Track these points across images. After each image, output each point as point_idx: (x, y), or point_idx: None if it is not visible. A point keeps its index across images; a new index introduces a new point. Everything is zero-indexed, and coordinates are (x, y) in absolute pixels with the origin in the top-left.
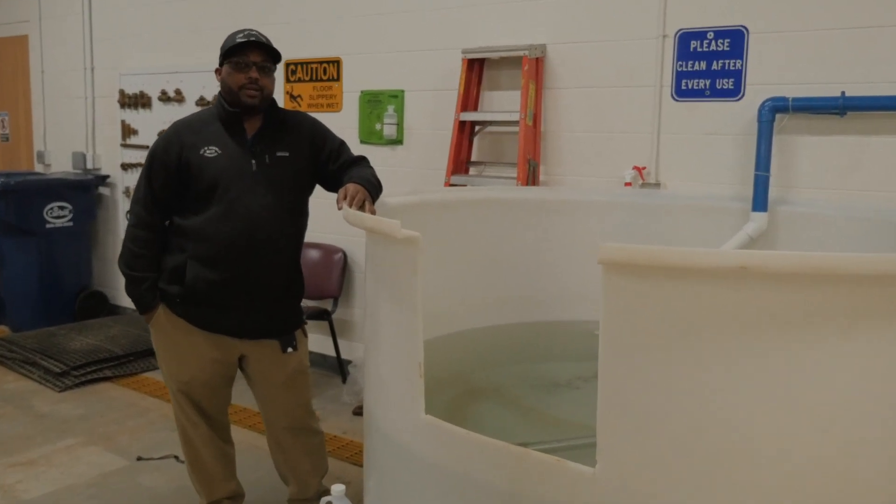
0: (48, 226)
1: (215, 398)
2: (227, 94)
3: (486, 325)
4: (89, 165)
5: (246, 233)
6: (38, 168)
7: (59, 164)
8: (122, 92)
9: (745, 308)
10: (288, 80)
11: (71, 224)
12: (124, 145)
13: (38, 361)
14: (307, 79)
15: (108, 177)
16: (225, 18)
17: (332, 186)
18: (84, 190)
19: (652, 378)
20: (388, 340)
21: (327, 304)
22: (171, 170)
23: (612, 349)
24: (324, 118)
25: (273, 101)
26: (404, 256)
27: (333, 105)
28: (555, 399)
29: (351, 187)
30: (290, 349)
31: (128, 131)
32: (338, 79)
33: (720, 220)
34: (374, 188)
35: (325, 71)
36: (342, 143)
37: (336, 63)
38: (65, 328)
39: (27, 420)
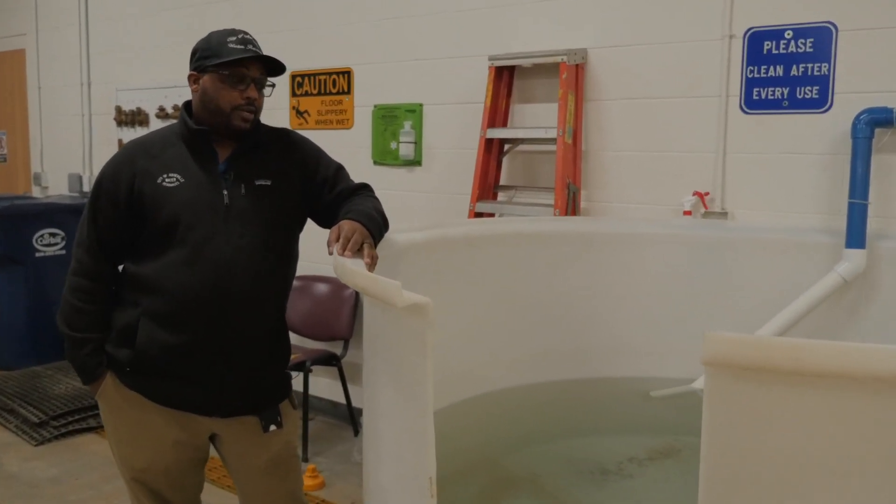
0: (38, 254)
1: (181, 488)
2: (209, 112)
3: (520, 384)
4: (86, 188)
5: (214, 283)
6: (36, 191)
7: (57, 187)
8: (118, 109)
9: None
10: (294, 94)
11: (63, 252)
12: None
13: (16, 409)
14: (315, 92)
15: None
16: (225, 27)
17: (327, 221)
18: (78, 215)
19: None
20: (389, 441)
21: (337, 347)
22: (120, 204)
23: (717, 485)
24: (333, 137)
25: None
26: (409, 331)
27: (344, 121)
28: (603, 493)
29: (346, 226)
30: (273, 427)
31: None
32: (348, 92)
33: (804, 259)
34: (375, 225)
35: (335, 83)
36: (339, 168)
37: (346, 74)
38: (52, 368)
39: None
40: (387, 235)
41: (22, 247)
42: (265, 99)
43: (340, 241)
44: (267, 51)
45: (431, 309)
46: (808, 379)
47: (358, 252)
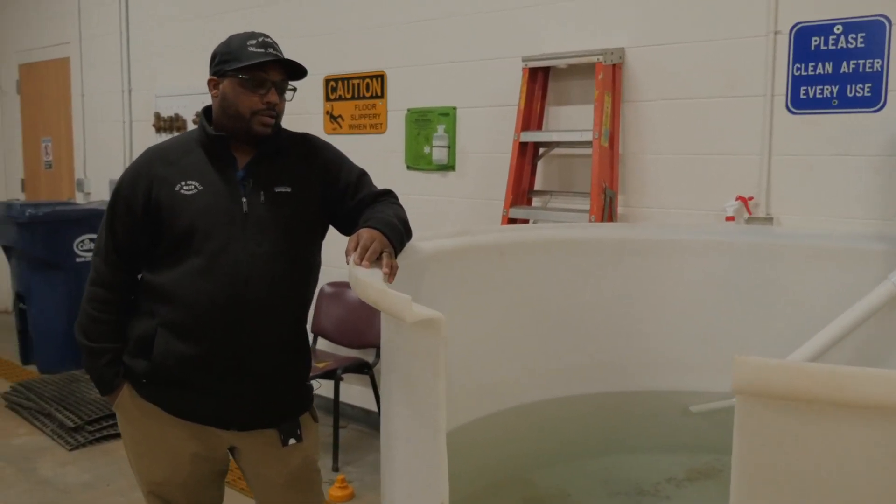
0: (78, 259)
1: (200, 502)
2: (228, 117)
3: (552, 396)
4: None
5: (230, 293)
6: (79, 197)
7: (99, 193)
8: (157, 115)
9: None
10: (328, 99)
11: None
12: None
13: (52, 413)
14: (348, 96)
15: None
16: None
17: (348, 229)
18: None
19: None
20: (402, 462)
21: (369, 355)
22: (137, 212)
23: None
24: (367, 141)
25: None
26: (420, 348)
27: (377, 126)
28: None
29: (364, 234)
30: (292, 440)
31: None
32: (382, 96)
33: (855, 268)
34: (396, 234)
35: (368, 87)
36: (362, 174)
37: (380, 78)
38: None
39: (24, 487)
40: (412, 243)
41: (62, 252)
42: (289, 103)
43: (358, 250)
44: (301, 55)
45: (444, 325)
46: (852, 411)
47: (376, 262)
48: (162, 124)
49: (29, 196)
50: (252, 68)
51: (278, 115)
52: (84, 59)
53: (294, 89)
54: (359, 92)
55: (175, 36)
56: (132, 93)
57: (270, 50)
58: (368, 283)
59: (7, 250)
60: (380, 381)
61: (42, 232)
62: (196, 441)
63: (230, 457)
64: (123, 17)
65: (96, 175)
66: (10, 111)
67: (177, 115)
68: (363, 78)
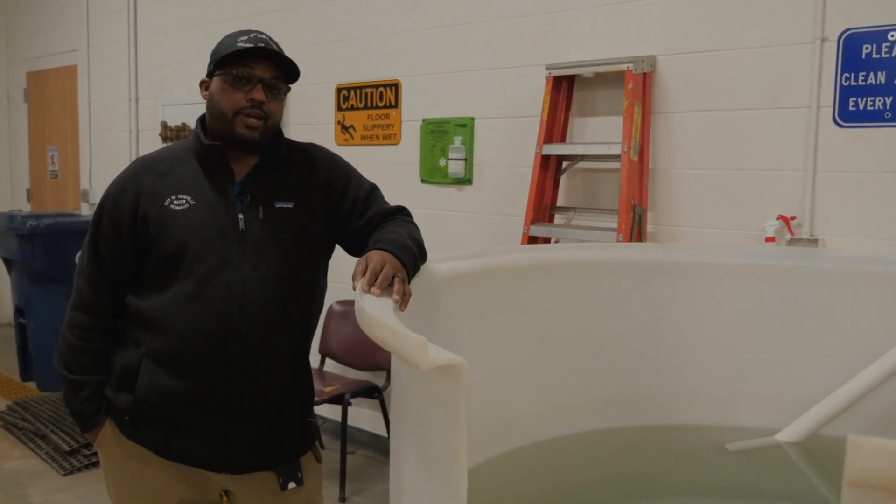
0: None
1: None
2: (214, 119)
3: (574, 431)
4: None
5: (225, 321)
6: (84, 208)
7: None
8: (164, 124)
9: None
10: (340, 108)
11: None
12: None
13: (48, 435)
14: (361, 106)
15: None
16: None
17: (356, 249)
18: None
19: None
20: None
21: (379, 378)
22: (122, 229)
23: None
24: (379, 153)
25: (278, 132)
26: (437, 397)
27: (391, 137)
28: None
29: (374, 257)
30: (292, 484)
31: None
32: (396, 105)
33: None
34: (410, 256)
35: (382, 96)
36: (372, 189)
37: (394, 86)
38: None
39: None
40: (426, 265)
41: (63, 265)
42: (298, 113)
43: (367, 275)
44: (313, 63)
45: (466, 371)
46: None
47: (388, 288)
48: (169, 133)
49: (34, 207)
50: (234, 60)
51: (268, 117)
52: (91, 68)
53: (288, 89)
54: (372, 101)
55: (183, 44)
56: (139, 101)
57: (260, 44)
58: (375, 318)
59: (7, 262)
60: (389, 409)
61: (43, 244)
62: (185, 485)
63: (224, 501)
64: (132, 25)
65: (102, 185)
66: (17, 120)
67: (184, 124)
68: (377, 87)
